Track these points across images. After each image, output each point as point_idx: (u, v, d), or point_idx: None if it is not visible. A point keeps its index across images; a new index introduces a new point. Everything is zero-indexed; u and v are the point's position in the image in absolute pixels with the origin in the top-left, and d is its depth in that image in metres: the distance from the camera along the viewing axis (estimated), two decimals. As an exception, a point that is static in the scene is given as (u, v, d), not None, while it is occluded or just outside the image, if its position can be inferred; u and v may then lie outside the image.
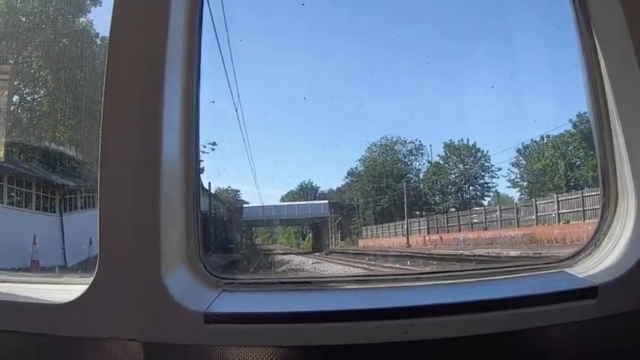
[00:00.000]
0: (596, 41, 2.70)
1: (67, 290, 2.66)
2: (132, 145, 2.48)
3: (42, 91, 11.07)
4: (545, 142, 14.71)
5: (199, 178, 2.79)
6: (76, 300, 2.51)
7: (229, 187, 16.16)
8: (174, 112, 2.60)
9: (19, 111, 10.64)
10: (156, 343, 2.50)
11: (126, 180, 2.49)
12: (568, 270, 2.79)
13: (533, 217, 13.70)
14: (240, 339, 2.47)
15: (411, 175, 15.88)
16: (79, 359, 2.60)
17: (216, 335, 2.46)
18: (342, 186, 16.54)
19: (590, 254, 2.80)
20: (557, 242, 12.39)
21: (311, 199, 16.32)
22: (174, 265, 2.58)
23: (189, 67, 2.68)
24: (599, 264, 2.71)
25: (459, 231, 15.01)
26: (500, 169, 15.15)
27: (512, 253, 12.24)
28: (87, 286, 2.52)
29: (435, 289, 2.79)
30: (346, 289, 2.83)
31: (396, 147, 15.73)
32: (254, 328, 2.48)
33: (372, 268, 13.71)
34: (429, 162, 15.90)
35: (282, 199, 16.41)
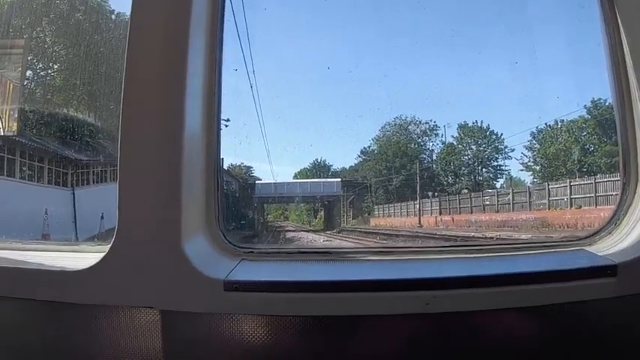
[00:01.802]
0: (619, 21, 2.66)
1: (84, 258, 2.65)
2: (154, 112, 2.47)
3: (55, 66, 11.08)
4: (559, 126, 14.63)
5: (220, 146, 2.76)
6: (93, 267, 2.52)
7: (242, 163, 16.21)
8: (197, 80, 2.58)
9: (32, 85, 10.67)
10: (174, 311, 2.49)
11: (147, 147, 2.48)
12: (588, 248, 2.78)
13: (545, 201, 13.66)
14: (260, 307, 2.47)
15: (424, 156, 15.86)
16: (96, 326, 2.61)
17: (235, 303, 2.45)
18: (355, 165, 16.56)
19: (610, 233, 2.79)
20: (568, 227, 12.36)
21: (324, 177, 16.35)
22: (194, 233, 2.57)
23: (212, 36, 2.66)
24: (619, 243, 2.70)
25: (471, 213, 15.00)
26: (513, 150, 15.10)
27: (524, 237, 12.23)
28: (104, 254, 2.51)
29: (457, 262, 2.79)
30: (367, 259, 2.83)
31: (410, 127, 15.69)
32: (274, 297, 2.47)
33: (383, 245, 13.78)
34: (443, 142, 15.87)
35: (295, 177, 16.47)
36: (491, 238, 12.41)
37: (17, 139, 9.63)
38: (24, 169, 10.41)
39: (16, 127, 8.81)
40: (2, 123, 8.26)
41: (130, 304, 2.55)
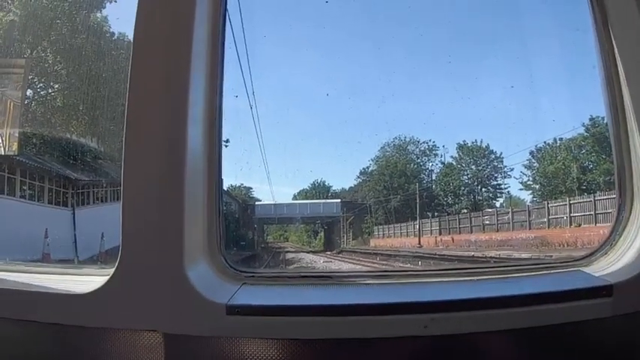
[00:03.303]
0: (614, 42, 2.70)
1: (87, 281, 2.67)
2: (156, 137, 2.50)
3: (56, 86, 11.11)
4: (558, 144, 14.64)
5: (221, 171, 2.80)
6: (97, 290, 2.53)
7: (242, 184, 16.22)
8: (198, 107, 2.61)
9: (33, 105, 10.69)
10: (177, 335, 2.51)
11: (150, 172, 2.50)
12: (584, 269, 2.79)
13: (545, 219, 13.64)
14: (261, 331, 2.49)
15: (423, 176, 15.87)
16: (100, 349, 2.61)
17: (237, 327, 2.47)
18: (355, 185, 16.58)
19: (605, 254, 2.81)
20: (568, 245, 12.33)
21: (323, 198, 16.33)
22: (196, 258, 2.59)
23: (213, 62, 2.70)
24: (614, 263, 2.72)
25: (471, 232, 14.98)
26: (512, 169, 15.12)
27: (524, 256, 12.20)
28: (108, 277, 2.53)
29: (454, 284, 2.80)
30: (366, 283, 2.85)
31: (409, 147, 15.71)
32: (275, 321, 2.49)
33: (383, 268, 13.70)
34: (442, 163, 15.88)
35: (295, 198, 16.47)
36: (492, 257, 12.37)
37: (18, 158, 9.62)
38: (24, 188, 10.40)
39: (17, 147, 8.82)
40: (3, 142, 8.26)
41: (133, 327, 2.56)
